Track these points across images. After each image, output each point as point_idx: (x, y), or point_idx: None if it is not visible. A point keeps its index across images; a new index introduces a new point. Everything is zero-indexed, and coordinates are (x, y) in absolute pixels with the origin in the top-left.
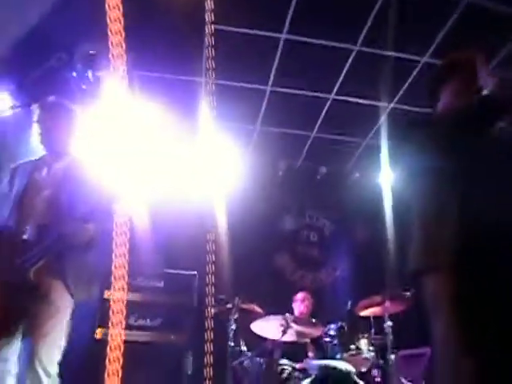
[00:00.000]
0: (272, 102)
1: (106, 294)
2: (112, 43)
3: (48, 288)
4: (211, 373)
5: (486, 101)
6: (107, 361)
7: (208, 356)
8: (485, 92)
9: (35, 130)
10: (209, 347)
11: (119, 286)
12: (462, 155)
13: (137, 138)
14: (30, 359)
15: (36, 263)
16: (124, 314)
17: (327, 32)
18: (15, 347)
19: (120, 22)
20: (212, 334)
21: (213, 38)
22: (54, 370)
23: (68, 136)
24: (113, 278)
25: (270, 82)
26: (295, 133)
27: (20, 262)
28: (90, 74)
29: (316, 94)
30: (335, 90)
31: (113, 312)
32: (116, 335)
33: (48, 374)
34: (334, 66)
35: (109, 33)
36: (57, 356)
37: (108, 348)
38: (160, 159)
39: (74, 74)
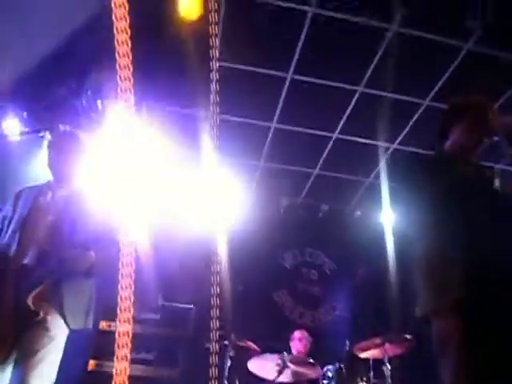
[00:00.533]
0: (276, 139)
1: (103, 326)
2: (120, 76)
3: (45, 315)
4: None
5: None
6: None
7: (213, 381)
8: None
9: (43, 155)
10: (213, 372)
11: (125, 318)
12: (462, 198)
13: (141, 169)
14: None
15: (34, 289)
16: (129, 348)
17: (332, 72)
18: (6, 374)
19: (128, 57)
20: (216, 370)
21: (218, 74)
22: None
23: (75, 166)
24: (118, 311)
25: (275, 119)
26: (298, 170)
27: (19, 287)
28: (99, 102)
29: (320, 132)
30: (339, 129)
31: (118, 346)
32: (121, 370)
33: None
34: (338, 105)
35: (117, 66)
36: None
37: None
38: (162, 191)
39: (84, 102)
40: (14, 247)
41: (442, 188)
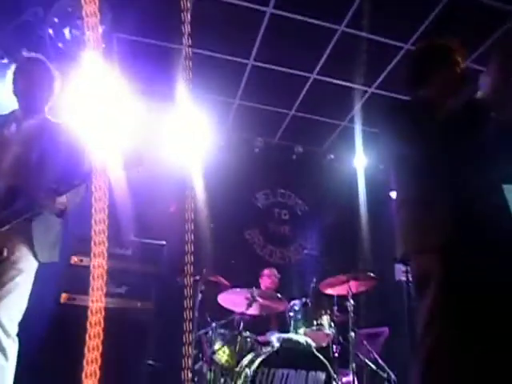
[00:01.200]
0: (253, 77)
1: (74, 260)
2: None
3: (12, 249)
4: (190, 338)
5: (476, 105)
6: (88, 324)
7: (187, 323)
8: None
9: (8, 82)
10: (188, 314)
11: (99, 251)
12: (451, 145)
13: (111, 101)
14: None
15: (2, 226)
16: (105, 279)
17: (313, 9)
18: None
19: None
20: (191, 301)
21: (191, 4)
22: (14, 330)
23: (43, 94)
24: (92, 244)
25: (253, 56)
26: (274, 110)
27: None
28: (67, 31)
29: (297, 72)
30: (317, 69)
31: (93, 277)
32: (97, 300)
33: (7, 334)
34: (318, 45)
35: None
36: (17, 316)
37: (89, 312)
38: (135, 125)
39: (51, 30)
40: None
41: (426, 134)
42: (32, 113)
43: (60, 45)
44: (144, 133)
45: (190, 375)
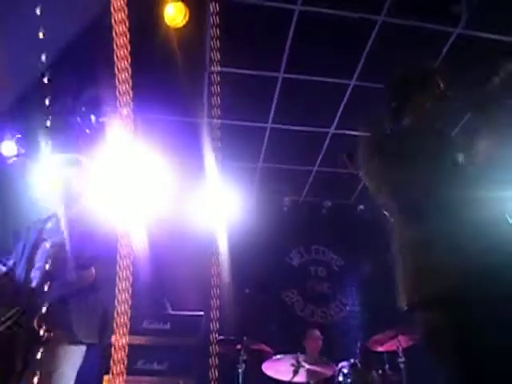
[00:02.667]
0: (273, 139)
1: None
2: (119, 89)
3: (53, 339)
4: None
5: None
6: None
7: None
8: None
9: (43, 178)
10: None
11: (121, 333)
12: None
13: (141, 180)
14: None
15: (38, 312)
16: (125, 363)
17: (324, 68)
18: None
19: (128, 71)
20: (216, 372)
21: (217, 76)
22: None
23: (81, 190)
24: (115, 326)
25: (270, 120)
26: (297, 168)
27: (23, 310)
28: (93, 118)
29: (316, 129)
30: (334, 124)
31: (113, 361)
32: None
33: None
34: (332, 100)
35: (116, 79)
36: None
37: None
38: (165, 200)
39: (79, 119)
40: (19, 271)
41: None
42: (69, 207)
43: (87, 130)
44: (174, 205)
45: None
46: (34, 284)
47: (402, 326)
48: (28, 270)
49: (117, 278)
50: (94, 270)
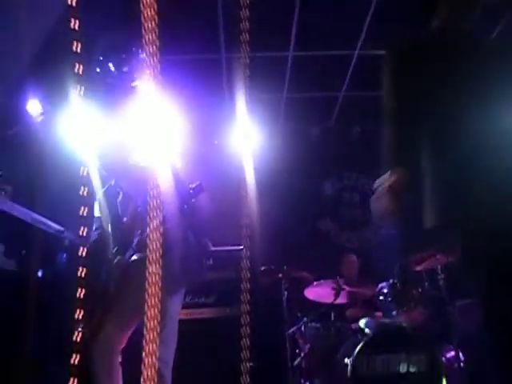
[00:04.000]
0: (295, 68)
1: None
2: (145, 29)
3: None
4: (248, 343)
5: None
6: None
7: (245, 328)
8: None
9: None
10: (245, 319)
11: (154, 259)
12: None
13: (167, 121)
14: None
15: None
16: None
17: None
18: None
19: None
20: (248, 305)
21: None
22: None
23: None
24: (148, 252)
25: (291, 47)
26: (323, 95)
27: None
28: (111, 65)
29: (339, 52)
30: (358, 46)
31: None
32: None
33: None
34: (355, 21)
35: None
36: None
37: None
38: (191, 137)
39: (98, 69)
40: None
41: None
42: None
43: (109, 80)
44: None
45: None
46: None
47: (440, 245)
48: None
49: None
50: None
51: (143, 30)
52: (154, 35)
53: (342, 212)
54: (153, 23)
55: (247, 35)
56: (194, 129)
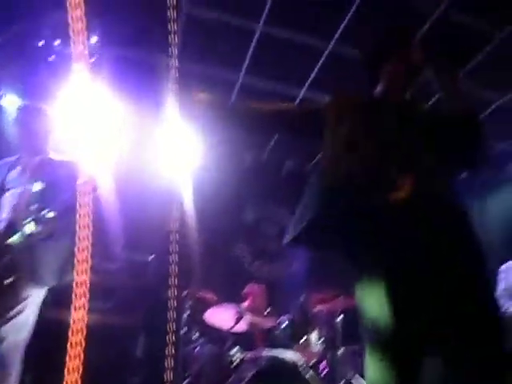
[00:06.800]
0: (243, 92)
1: None
2: (72, 17)
3: (16, 279)
4: (173, 351)
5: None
6: (69, 345)
7: (170, 335)
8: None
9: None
10: (171, 326)
11: (82, 269)
12: None
13: (102, 116)
14: None
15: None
16: (87, 297)
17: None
18: None
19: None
20: (175, 313)
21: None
22: None
23: (42, 140)
24: (76, 262)
25: (243, 70)
26: None
27: None
28: (57, 44)
29: (287, 88)
30: (306, 85)
31: (75, 296)
32: (79, 319)
33: None
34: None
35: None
36: None
37: (70, 332)
38: (124, 140)
39: (41, 43)
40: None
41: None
42: (35, 155)
43: (50, 58)
44: (134, 146)
45: None
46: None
47: (344, 288)
48: None
49: (77, 216)
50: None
51: (70, 19)
52: (81, 24)
53: (258, 241)
54: (79, 11)
55: (175, 37)
56: (131, 131)
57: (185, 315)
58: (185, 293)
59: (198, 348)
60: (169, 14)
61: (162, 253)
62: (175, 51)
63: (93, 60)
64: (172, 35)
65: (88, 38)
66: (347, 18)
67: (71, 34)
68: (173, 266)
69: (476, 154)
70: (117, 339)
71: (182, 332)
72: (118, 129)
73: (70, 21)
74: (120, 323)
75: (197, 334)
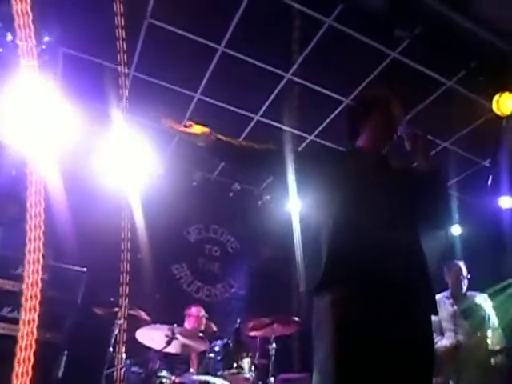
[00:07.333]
0: (198, 111)
1: None
2: (17, 10)
3: None
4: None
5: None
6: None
7: (121, 344)
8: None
9: None
10: (121, 336)
11: (34, 270)
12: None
13: (49, 115)
14: None
15: None
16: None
17: (263, 54)
18: None
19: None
20: (124, 333)
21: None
22: None
23: None
24: (26, 263)
25: (200, 90)
26: None
27: None
28: (9, 36)
29: (242, 111)
30: (261, 111)
31: (25, 299)
32: (29, 321)
33: None
34: (265, 87)
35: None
36: None
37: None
38: (72, 141)
39: None
40: None
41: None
42: None
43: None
44: (81, 151)
45: None
46: None
47: (279, 315)
48: None
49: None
50: None
51: (14, 13)
52: (27, 18)
53: (199, 262)
54: (25, 4)
55: (124, 43)
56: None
57: (114, 333)
58: (116, 309)
59: (124, 369)
60: (116, 20)
61: (95, 266)
62: (124, 57)
63: (43, 58)
64: (120, 41)
65: (39, 35)
66: (309, 47)
67: (16, 28)
68: (123, 285)
69: (442, 214)
70: (39, 355)
71: (108, 351)
72: (62, 130)
73: (14, 14)
74: (44, 338)
75: (124, 355)
